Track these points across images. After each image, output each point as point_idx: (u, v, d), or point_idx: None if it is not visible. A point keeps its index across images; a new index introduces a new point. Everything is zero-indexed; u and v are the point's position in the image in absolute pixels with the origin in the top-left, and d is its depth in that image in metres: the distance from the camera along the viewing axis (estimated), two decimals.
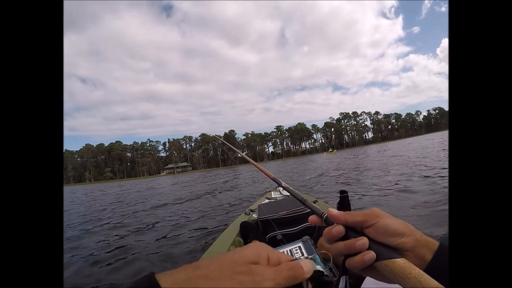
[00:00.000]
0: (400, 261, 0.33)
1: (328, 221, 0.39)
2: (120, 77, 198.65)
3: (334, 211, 0.39)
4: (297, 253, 1.00)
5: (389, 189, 5.61)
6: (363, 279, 0.61)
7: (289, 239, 1.46)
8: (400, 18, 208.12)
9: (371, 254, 0.34)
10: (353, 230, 0.38)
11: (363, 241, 0.35)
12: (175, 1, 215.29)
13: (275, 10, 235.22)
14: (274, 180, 0.56)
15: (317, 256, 0.96)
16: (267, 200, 2.46)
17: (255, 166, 0.70)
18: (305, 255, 1.05)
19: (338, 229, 0.37)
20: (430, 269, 0.33)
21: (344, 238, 0.38)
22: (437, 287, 0.30)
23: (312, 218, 0.42)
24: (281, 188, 2.92)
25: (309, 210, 0.42)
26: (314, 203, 0.41)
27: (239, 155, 0.82)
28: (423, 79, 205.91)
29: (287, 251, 1.18)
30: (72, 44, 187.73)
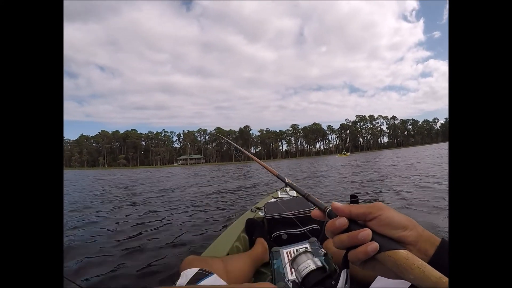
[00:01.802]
0: (403, 252, 0.33)
1: (331, 215, 0.39)
2: (138, 68, 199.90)
3: (337, 204, 0.39)
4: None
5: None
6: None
7: (294, 239, 1.48)
8: (421, 21, 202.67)
9: (375, 245, 0.34)
10: (356, 223, 0.38)
11: (366, 232, 0.35)
12: None
13: (294, 7, 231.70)
14: (278, 177, 0.55)
15: (322, 258, 0.98)
16: (273, 199, 2.40)
17: (260, 164, 0.68)
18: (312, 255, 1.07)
19: (342, 221, 0.37)
20: (432, 264, 0.33)
21: (347, 230, 0.37)
22: (441, 277, 0.30)
23: (315, 213, 0.42)
24: (288, 189, 2.80)
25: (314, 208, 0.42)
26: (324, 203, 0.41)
27: (247, 152, 0.81)
28: (442, 86, 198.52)
29: (293, 251, 1.22)
30: (92, 33, 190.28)
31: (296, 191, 0.49)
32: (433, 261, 0.35)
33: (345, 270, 0.39)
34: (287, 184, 0.54)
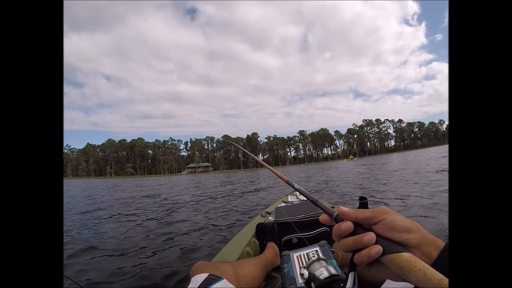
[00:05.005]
0: (406, 255, 0.34)
1: (338, 219, 0.41)
2: (144, 77, 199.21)
3: (344, 208, 0.40)
4: (314, 256, 1.02)
5: None
6: None
7: (305, 243, 1.49)
8: (423, 25, 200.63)
9: (378, 248, 0.36)
10: (361, 227, 0.39)
11: (370, 235, 0.37)
12: (200, 1, 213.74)
13: (298, 15, 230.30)
14: (287, 182, 0.57)
15: (334, 261, 0.99)
16: (283, 204, 2.44)
17: (270, 170, 0.71)
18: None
19: (347, 225, 0.39)
20: (435, 267, 0.33)
21: (352, 234, 0.39)
22: (442, 279, 0.30)
23: (323, 217, 0.43)
24: (297, 193, 2.74)
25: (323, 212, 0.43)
26: (332, 208, 0.42)
27: (258, 159, 0.83)
28: (446, 88, 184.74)
29: (304, 255, 1.23)
30: (98, 42, 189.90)
31: (305, 196, 0.51)
32: (437, 264, 0.35)
33: (353, 272, 0.41)
34: (296, 190, 0.55)
